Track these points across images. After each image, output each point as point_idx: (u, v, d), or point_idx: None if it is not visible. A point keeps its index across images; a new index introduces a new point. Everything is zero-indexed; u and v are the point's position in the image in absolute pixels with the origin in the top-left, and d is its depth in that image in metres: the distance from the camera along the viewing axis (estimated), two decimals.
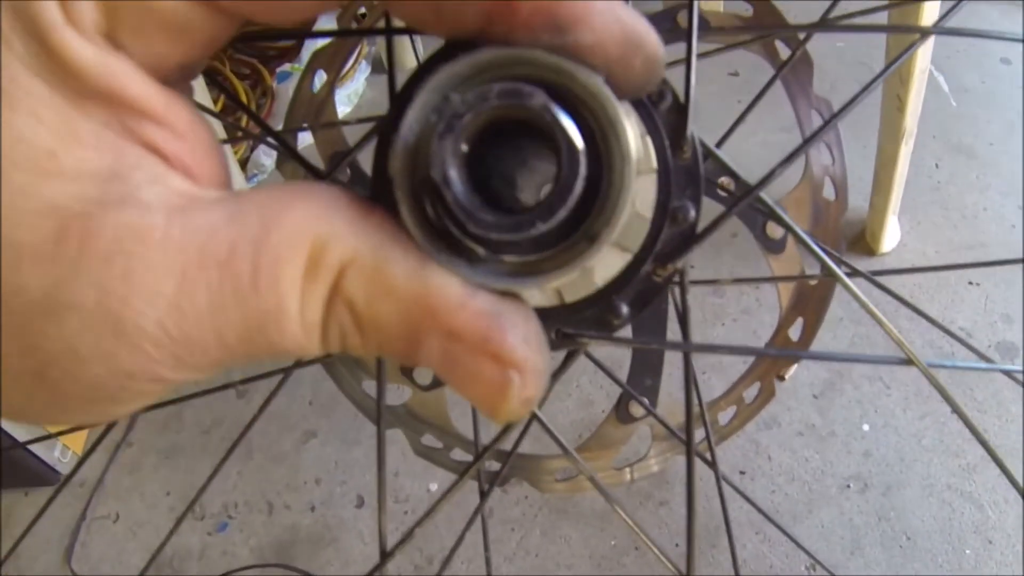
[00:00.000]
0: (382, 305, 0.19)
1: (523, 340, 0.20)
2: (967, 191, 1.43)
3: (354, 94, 1.77)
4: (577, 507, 1.11)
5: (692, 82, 0.30)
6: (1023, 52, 1.53)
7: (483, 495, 0.55)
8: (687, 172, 0.28)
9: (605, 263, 0.29)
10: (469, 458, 0.65)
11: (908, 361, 0.36)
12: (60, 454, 1.28)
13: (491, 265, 0.21)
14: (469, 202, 0.20)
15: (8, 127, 0.17)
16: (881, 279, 0.54)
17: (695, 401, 0.57)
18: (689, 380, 0.39)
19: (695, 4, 0.32)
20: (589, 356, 0.49)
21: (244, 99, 1.77)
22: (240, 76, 1.84)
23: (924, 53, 1.10)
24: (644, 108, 0.28)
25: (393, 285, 0.19)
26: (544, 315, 0.30)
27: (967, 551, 1.01)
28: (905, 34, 0.92)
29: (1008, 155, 1.46)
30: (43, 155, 0.17)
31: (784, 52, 0.63)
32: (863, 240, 1.35)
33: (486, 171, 0.21)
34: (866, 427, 1.13)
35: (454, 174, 0.20)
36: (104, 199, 0.18)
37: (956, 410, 0.38)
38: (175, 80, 0.20)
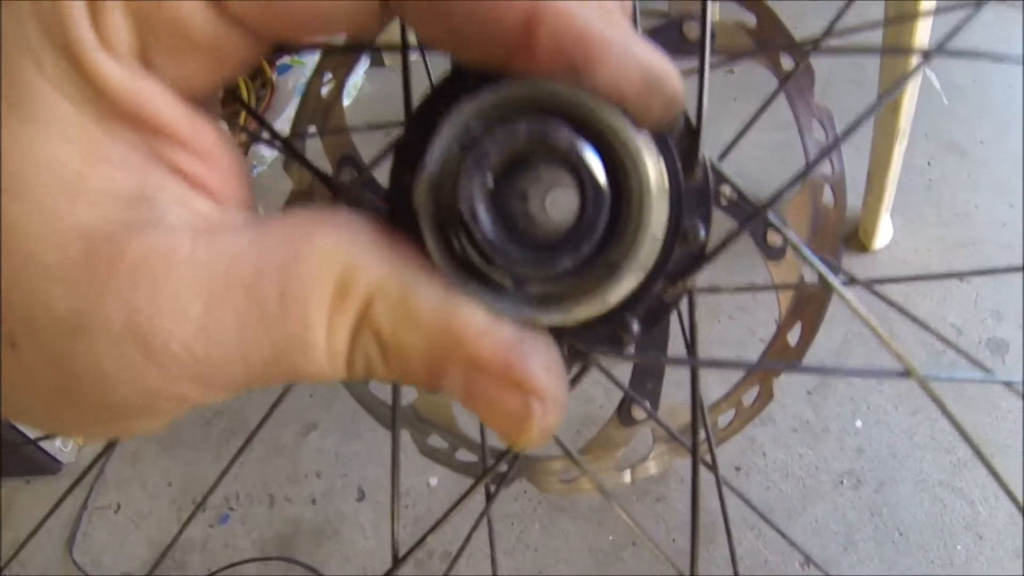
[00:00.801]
0: (407, 334, 0.19)
1: (545, 369, 0.20)
2: (959, 189, 1.43)
3: (353, 88, 1.77)
4: (576, 503, 1.12)
5: (704, 105, 0.31)
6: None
7: (489, 498, 0.56)
8: (697, 193, 0.29)
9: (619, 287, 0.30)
10: (474, 459, 0.66)
11: (907, 373, 0.37)
12: (61, 444, 1.29)
13: (514, 295, 0.22)
14: (496, 237, 0.21)
15: (38, 149, 0.17)
16: (876, 282, 0.56)
17: (687, 417, 0.58)
18: (696, 394, 0.40)
19: (707, 28, 0.32)
20: (597, 365, 0.50)
21: (244, 90, 1.77)
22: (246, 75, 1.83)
23: (918, 55, 1.11)
24: (657, 132, 0.30)
25: (419, 314, 0.19)
26: (556, 332, 0.31)
27: (958, 547, 1.02)
28: (903, 56, 0.93)
29: (999, 153, 1.47)
30: (72, 177, 0.18)
31: (787, 61, 0.64)
32: (856, 237, 1.36)
33: (499, 190, 0.22)
34: (859, 423, 1.14)
35: (482, 210, 0.21)
36: (130, 221, 0.18)
37: (956, 426, 0.39)
38: (203, 98, 0.20)
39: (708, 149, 0.32)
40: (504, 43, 0.19)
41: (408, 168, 0.22)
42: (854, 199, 1.33)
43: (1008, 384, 0.50)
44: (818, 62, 0.58)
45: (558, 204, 0.26)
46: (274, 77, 1.78)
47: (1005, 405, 1.12)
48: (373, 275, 0.19)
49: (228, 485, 1.24)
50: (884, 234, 1.34)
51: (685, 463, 0.74)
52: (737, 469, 1.11)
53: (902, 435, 1.13)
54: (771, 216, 0.37)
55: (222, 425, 1.30)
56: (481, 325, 0.20)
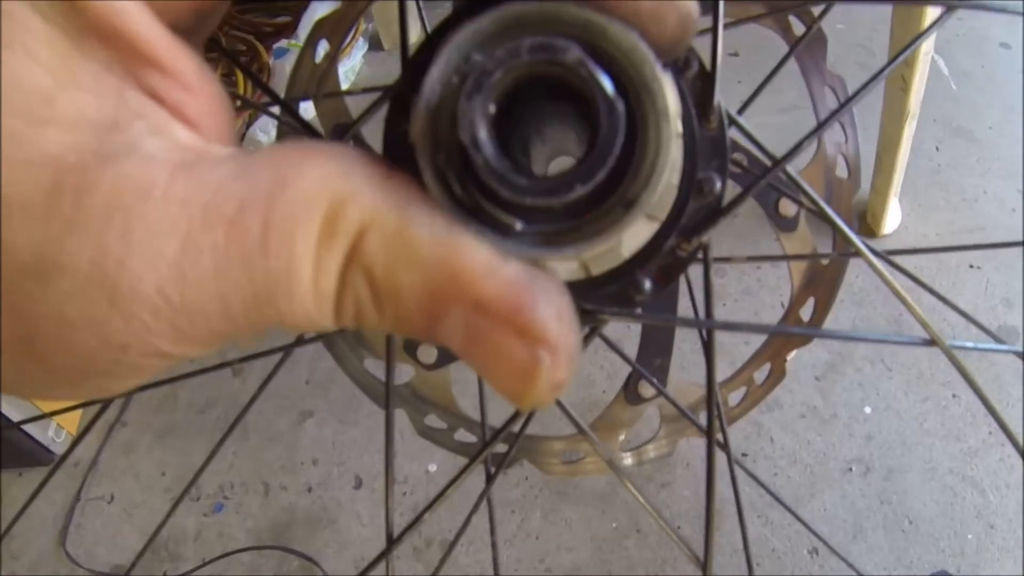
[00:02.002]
0: (403, 272, 0.17)
1: (556, 315, 0.18)
2: (967, 174, 1.42)
3: (351, 71, 1.75)
4: (578, 489, 1.10)
5: (719, 49, 0.29)
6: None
7: (489, 478, 0.54)
8: (713, 143, 0.27)
9: (633, 233, 0.28)
10: (473, 439, 0.64)
11: (931, 342, 0.35)
12: (54, 434, 1.27)
13: (522, 237, 0.20)
14: (500, 164, 0.19)
15: (2, 68, 0.15)
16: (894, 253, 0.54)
17: (699, 387, 0.56)
18: (712, 357, 0.38)
19: None
20: (600, 335, 0.48)
21: (240, 76, 1.75)
22: (239, 53, 1.81)
23: (928, 38, 1.09)
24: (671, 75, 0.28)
25: (416, 249, 0.17)
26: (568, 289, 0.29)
27: (969, 535, 1.01)
28: (922, 6, 0.90)
29: (1008, 139, 1.46)
30: (39, 100, 0.16)
31: (797, 28, 0.62)
32: (864, 222, 1.35)
33: (504, 138, 0.20)
34: (868, 410, 1.13)
35: (484, 135, 0.18)
36: (103, 150, 0.16)
37: (975, 389, 0.37)
38: (186, 30, 0.19)
39: (735, 117, 0.30)
40: None
41: (405, 116, 0.20)
42: (863, 183, 1.31)
43: None
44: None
45: (548, 139, 0.23)
46: (271, 62, 1.75)
47: (1016, 393, 1.11)
48: (366, 206, 0.17)
49: (223, 474, 1.22)
50: (892, 219, 1.33)
51: (689, 449, 0.72)
52: (744, 455, 1.09)
53: (912, 422, 1.12)
54: (789, 170, 0.35)
55: (216, 414, 1.28)
56: (487, 262, 0.18)
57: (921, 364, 1.15)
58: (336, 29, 0.63)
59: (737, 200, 0.30)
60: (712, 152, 0.27)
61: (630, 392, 0.59)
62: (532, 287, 0.18)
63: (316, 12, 1.59)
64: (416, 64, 0.21)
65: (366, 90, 0.63)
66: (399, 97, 0.22)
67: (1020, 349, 0.37)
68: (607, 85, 0.19)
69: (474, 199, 0.19)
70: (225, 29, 1.81)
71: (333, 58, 0.63)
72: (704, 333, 0.40)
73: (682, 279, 0.61)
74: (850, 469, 1.08)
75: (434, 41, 0.21)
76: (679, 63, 0.28)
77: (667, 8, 0.19)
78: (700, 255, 0.34)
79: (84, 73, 0.16)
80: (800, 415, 1.13)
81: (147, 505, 1.22)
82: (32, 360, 0.17)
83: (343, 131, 0.62)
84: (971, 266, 1.27)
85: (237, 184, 0.17)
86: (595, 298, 0.29)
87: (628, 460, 0.67)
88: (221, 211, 0.16)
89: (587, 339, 0.36)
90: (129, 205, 0.16)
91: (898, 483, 1.06)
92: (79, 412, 1.23)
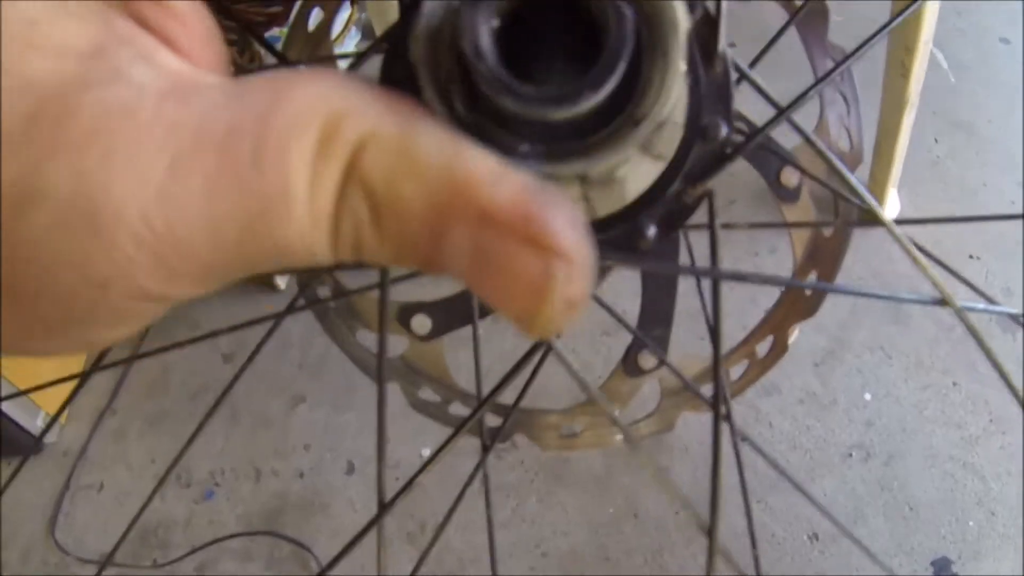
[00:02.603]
0: (405, 185, 0.16)
1: (568, 224, 0.17)
2: (967, 167, 1.42)
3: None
4: (574, 473, 1.09)
5: None
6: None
7: (485, 449, 0.53)
8: (718, 88, 0.27)
9: (638, 172, 0.27)
10: (467, 412, 0.63)
11: (942, 301, 0.34)
12: (43, 422, 1.24)
13: (528, 158, 0.19)
14: (504, 74, 0.18)
15: None
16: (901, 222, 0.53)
17: (702, 359, 0.55)
18: (719, 310, 0.36)
19: None
20: (597, 299, 0.47)
21: (232, 67, 1.74)
22: (228, 43, 1.80)
23: (928, 25, 1.08)
24: None
25: (418, 160, 0.16)
26: None
27: (970, 523, 1.01)
28: None
29: (1007, 132, 1.46)
30: (23, 24, 0.15)
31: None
32: (862, 212, 1.34)
33: (508, 60, 0.19)
34: (868, 396, 1.12)
35: (487, 44, 0.18)
36: (88, 76, 0.15)
37: (988, 354, 0.36)
38: None
39: (739, 65, 0.30)
40: None
41: (403, 62, 0.20)
42: (862, 171, 1.31)
43: None
44: None
45: (552, 69, 0.23)
46: (262, 51, 1.74)
47: (1017, 382, 1.10)
48: (366, 118, 0.16)
49: (213, 460, 1.20)
50: (891, 210, 1.32)
51: (688, 433, 0.71)
52: (743, 440, 1.07)
53: (912, 409, 1.11)
54: (791, 118, 0.34)
55: (207, 400, 1.27)
56: (494, 170, 0.17)
57: (921, 352, 1.14)
58: None
59: (741, 147, 0.29)
60: (717, 97, 0.27)
61: (629, 364, 0.58)
62: (541, 195, 0.17)
63: None
64: (413, 5, 0.21)
65: (360, 53, 0.62)
66: (396, 42, 0.21)
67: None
68: None
69: (477, 119, 0.19)
70: (217, 17, 1.79)
71: (328, 25, 0.62)
72: (707, 285, 0.39)
73: (683, 241, 0.60)
74: (850, 455, 1.07)
75: None
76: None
77: None
78: (705, 202, 0.33)
79: None
80: (799, 400, 1.12)
81: (137, 493, 1.21)
82: (12, 306, 0.16)
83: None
84: (971, 256, 1.27)
85: (230, 106, 0.16)
86: (598, 243, 0.29)
87: (641, 431, 0.66)
88: (212, 133, 0.16)
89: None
90: (113, 128, 0.15)
91: (898, 469, 1.06)
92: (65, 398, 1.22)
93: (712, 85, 0.27)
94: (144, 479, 1.22)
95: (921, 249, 0.60)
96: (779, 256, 1.25)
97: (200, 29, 0.18)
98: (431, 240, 0.17)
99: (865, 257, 1.24)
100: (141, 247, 0.15)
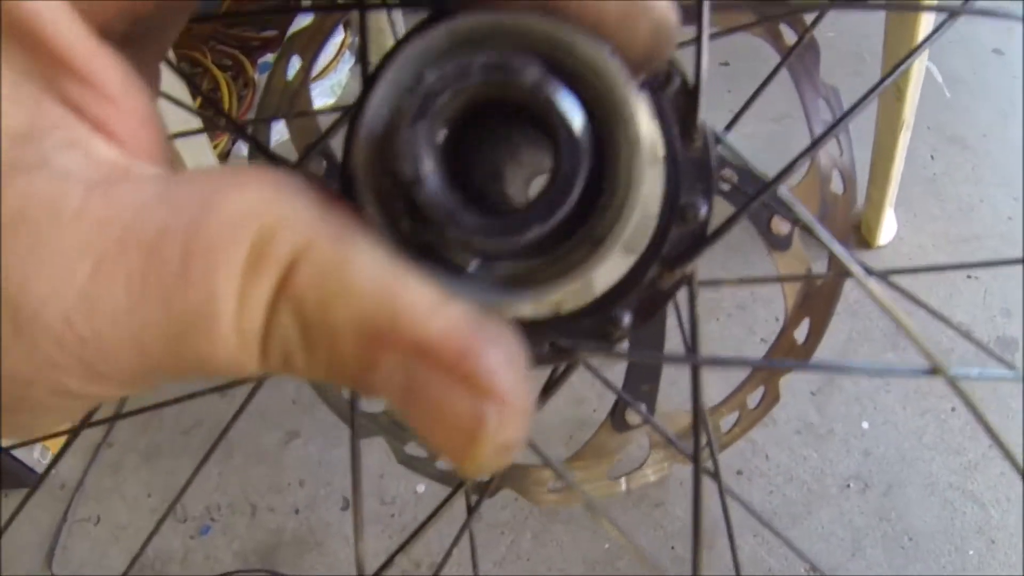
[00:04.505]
0: (337, 309, 0.15)
1: (507, 363, 0.16)
2: (962, 182, 1.41)
3: (337, 85, 1.73)
4: (569, 509, 1.08)
5: (704, 63, 0.27)
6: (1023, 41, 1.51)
7: (471, 510, 0.52)
8: (697, 164, 0.25)
9: (605, 270, 0.26)
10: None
11: (932, 371, 0.33)
12: (40, 455, 1.25)
13: (477, 276, 0.18)
14: (447, 201, 0.17)
15: None
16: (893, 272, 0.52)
17: (687, 421, 0.54)
18: (698, 396, 0.36)
19: None
20: (584, 363, 0.46)
21: (225, 91, 1.73)
22: (222, 67, 1.80)
23: (926, 48, 1.07)
24: (649, 91, 0.26)
25: (352, 284, 0.15)
26: (537, 327, 0.27)
27: (970, 551, 0.99)
28: (920, 11, 0.89)
29: (1002, 146, 1.45)
30: None
31: (788, 36, 0.60)
32: (859, 233, 1.33)
33: (466, 164, 0.18)
34: (865, 425, 1.11)
35: (428, 168, 0.17)
36: (14, 162, 0.15)
37: (985, 426, 0.35)
38: (128, 38, 0.18)
39: (722, 137, 0.28)
40: None
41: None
42: (857, 194, 1.30)
43: None
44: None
45: (524, 161, 0.21)
46: (256, 76, 1.74)
47: (1015, 404, 1.09)
48: (300, 234, 0.15)
49: (209, 495, 1.20)
50: (888, 229, 1.31)
51: (683, 468, 0.70)
52: (739, 473, 1.07)
53: (910, 436, 1.10)
54: (782, 190, 0.33)
55: (202, 435, 1.27)
56: (431, 301, 0.16)
57: (920, 379, 1.13)
58: (309, 44, 0.62)
59: (724, 228, 0.28)
60: (697, 175, 0.25)
61: (617, 419, 0.58)
62: (480, 330, 0.16)
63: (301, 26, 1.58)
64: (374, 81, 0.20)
65: (335, 109, 0.61)
66: (355, 119, 0.20)
67: None
68: (568, 114, 0.17)
69: (423, 236, 0.17)
70: (211, 43, 1.79)
71: (305, 76, 0.61)
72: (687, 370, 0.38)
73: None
74: (848, 485, 1.06)
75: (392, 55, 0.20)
76: (659, 78, 0.26)
77: (637, 14, 0.17)
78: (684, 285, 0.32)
79: None
80: (796, 431, 1.11)
81: (133, 527, 1.20)
82: None
83: (310, 148, 0.60)
84: (968, 276, 1.26)
85: (159, 207, 0.15)
86: (570, 333, 0.27)
87: (622, 487, 0.65)
88: (139, 235, 0.15)
89: (564, 374, 0.34)
90: (36, 221, 0.14)
91: (897, 499, 1.04)
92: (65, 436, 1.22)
93: (691, 162, 0.25)
94: (140, 512, 1.21)
95: (915, 300, 0.59)
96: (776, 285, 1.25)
97: (135, 110, 0.17)
98: (362, 366, 0.16)
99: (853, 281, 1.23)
100: (64, 349, 0.15)
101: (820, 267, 0.63)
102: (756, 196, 0.32)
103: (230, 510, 1.18)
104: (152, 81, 0.21)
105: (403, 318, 0.15)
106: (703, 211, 0.26)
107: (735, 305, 1.23)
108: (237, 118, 1.48)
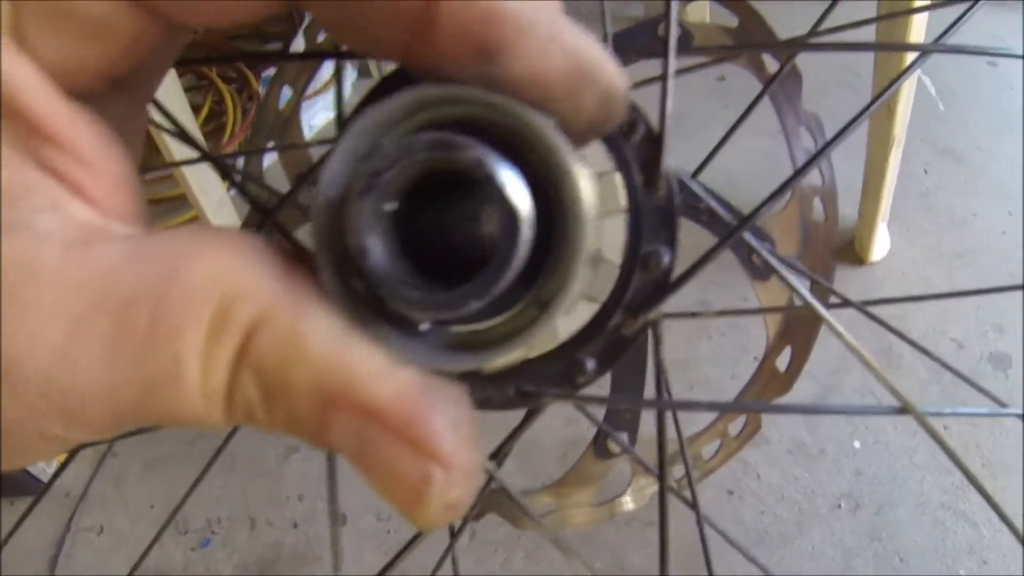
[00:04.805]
0: (293, 372, 0.17)
1: (452, 427, 0.17)
2: (956, 196, 1.41)
3: None
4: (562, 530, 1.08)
5: (668, 111, 0.27)
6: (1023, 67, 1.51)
7: (453, 535, 0.53)
8: (661, 213, 0.26)
9: (569, 318, 0.27)
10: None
11: (902, 410, 0.34)
12: (44, 464, 1.26)
13: (432, 338, 0.19)
14: (391, 273, 0.18)
15: None
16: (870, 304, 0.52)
17: (675, 440, 0.55)
18: (663, 439, 0.37)
19: (672, 23, 0.29)
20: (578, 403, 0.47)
21: (230, 103, 1.75)
22: (227, 80, 1.81)
23: (913, 60, 1.07)
24: (613, 140, 0.26)
25: (308, 349, 0.16)
26: (503, 372, 0.27)
27: (961, 571, 0.99)
28: (895, 52, 0.90)
29: (997, 159, 1.45)
30: None
31: (771, 64, 0.61)
32: (852, 250, 1.33)
33: (423, 229, 0.19)
34: (857, 444, 1.11)
35: (374, 242, 0.17)
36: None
37: (959, 466, 0.36)
38: (102, 91, 0.18)
39: (688, 158, 0.28)
40: (403, 27, 0.17)
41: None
42: (850, 209, 1.30)
43: (1019, 416, 0.46)
44: (810, 68, 0.55)
45: (482, 219, 0.22)
46: (260, 90, 1.75)
47: (1008, 423, 1.09)
48: (259, 301, 0.16)
49: (210, 508, 1.21)
50: (881, 245, 1.31)
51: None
52: (730, 493, 1.07)
53: (902, 456, 1.10)
54: (748, 236, 0.33)
55: (205, 447, 1.28)
56: (380, 367, 0.17)
57: (911, 396, 1.12)
58: (299, 74, 0.63)
59: (685, 277, 0.29)
60: (660, 223, 0.26)
61: (599, 447, 0.58)
62: (427, 395, 0.17)
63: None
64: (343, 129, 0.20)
65: (322, 142, 0.62)
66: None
67: (1006, 412, 0.36)
68: (508, 189, 0.17)
69: (377, 298, 0.18)
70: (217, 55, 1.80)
71: (296, 105, 0.62)
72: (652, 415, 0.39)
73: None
74: (839, 505, 1.06)
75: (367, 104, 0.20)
76: (623, 127, 0.26)
77: (584, 86, 0.18)
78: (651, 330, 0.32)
79: None
80: (787, 451, 1.11)
81: (136, 537, 1.21)
82: None
83: (306, 181, 0.61)
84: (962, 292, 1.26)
85: (131, 270, 0.16)
86: (535, 378, 0.28)
87: (608, 513, 0.66)
88: (111, 298, 0.16)
89: (528, 419, 0.35)
90: (16, 283, 0.15)
91: (888, 519, 1.04)
92: None
93: (655, 210, 0.26)
94: (142, 523, 1.22)
95: (898, 333, 0.60)
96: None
97: (110, 172, 0.18)
98: (319, 424, 0.17)
99: (847, 294, 1.23)
100: (46, 400, 0.16)
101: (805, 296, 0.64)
102: (719, 245, 0.33)
103: (230, 523, 1.19)
104: (139, 123, 0.22)
105: (354, 382, 0.17)
106: (666, 259, 0.26)
107: (728, 324, 1.23)
108: (219, 149, 1.49)
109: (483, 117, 0.18)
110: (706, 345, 1.22)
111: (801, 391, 1.14)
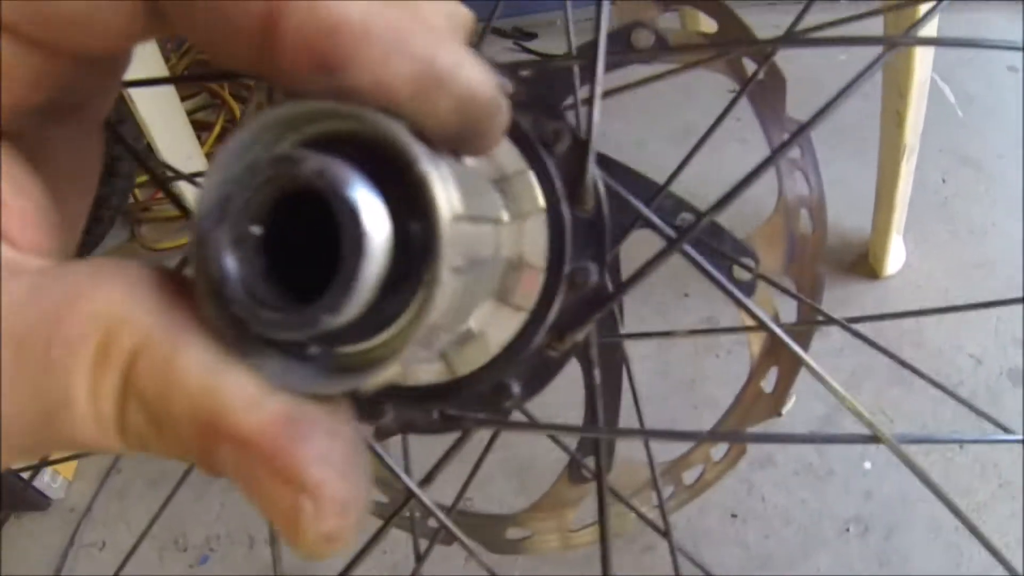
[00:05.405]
0: (172, 401, 0.17)
1: (320, 458, 0.17)
2: (975, 206, 1.37)
3: None
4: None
5: (596, 116, 0.26)
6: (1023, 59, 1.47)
7: (419, 559, 0.51)
8: (589, 226, 0.25)
9: (498, 323, 0.25)
10: (418, 512, 0.61)
11: (874, 439, 0.31)
12: (50, 479, 1.28)
13: (320, 359, 0.18)
14: (252, 297, 0.17)
15: None
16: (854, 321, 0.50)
17: (647, 474, 0.52)
18: (601, 470, 0.34)
19: (602, 23, 0.27)
20: (523, 411, 0.45)
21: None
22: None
23: (924, 64, 1.04)
24: (532, 150, 0.25)
25: (183, 379, 0.17)
26: (431, 392, 0.26)
27: None
28: (865, 45, 0.86)
29: (1017, 167, 1.41)
30: None
31: (752, 70, 0.59)
32: (865, 263, 1.29)
33: (294, 244, 0.18)
34: (867, 465, 1.07)
35: (232, 268, 0.17)
36: None
37: (938, 495, 0.34)
38: (28, 124, 0.19)
39: (696, 171, 0.27)
40: (247, 42, 0.17)
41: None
42: (863, 221, 1.26)
43: (1007, 442, 0.43)
44: (823, 78, 0.53)
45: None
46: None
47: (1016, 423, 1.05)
48: (139, 331, 0.17)
49: (209, 525, 1.21)
50: (896, 258, 1.27)
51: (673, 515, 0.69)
52: (734, 516, 1.04)
53: (914, 477, 1.04)
54: (687, 248, 0.31)
55: None
56: (250, 396, 0.17)
57: (925, 414, 1.09)
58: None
59: (616, 294, 0.26)
60: (587, 237, 0.24)
61: (573, 471, 0.56)
62: (295, 425, 0.17)
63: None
64: None
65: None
66: None
67: (992, 438, 0.34)
68: (348, 198, 0.16)
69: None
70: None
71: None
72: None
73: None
74: (847, 529, 1.02)
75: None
76: (547, 137, 0.25)
77: (430, 90, 0.17)
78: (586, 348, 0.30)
79: None
80: (794, 472, 1.07)
81: (137, 554, 1.22)
82: None
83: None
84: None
85: (32, 302, 0.17)
86: (464, 400, 0.26)
87: (588, 537, 0.64)
88: (13, 330, 0.16)
89: (459, 443, 0.33)
90: None
91: (899, 543, 1.00)
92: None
93: (581, 223, 0.25)
94: (144, 540, 1.23)
95: (886, 352, 0.57)
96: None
97: (24, 214, 0.18)
98: (203, 452, 0.17)
99: (860, 309, 1.20)
100: None
101: (789, 314, 0.61)
102: (657, 258, 0.31)
103: (229, 540, 1.19)
104: (91, 147, 0.23)
105: (224, 413, 0.17)
106: (593, 276, 0.25)
107: (734, 341, 1.20)
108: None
109: (349, 131, 0.17)
110: (713, 363, 1.19)
111: (808, 411, 1.11)
